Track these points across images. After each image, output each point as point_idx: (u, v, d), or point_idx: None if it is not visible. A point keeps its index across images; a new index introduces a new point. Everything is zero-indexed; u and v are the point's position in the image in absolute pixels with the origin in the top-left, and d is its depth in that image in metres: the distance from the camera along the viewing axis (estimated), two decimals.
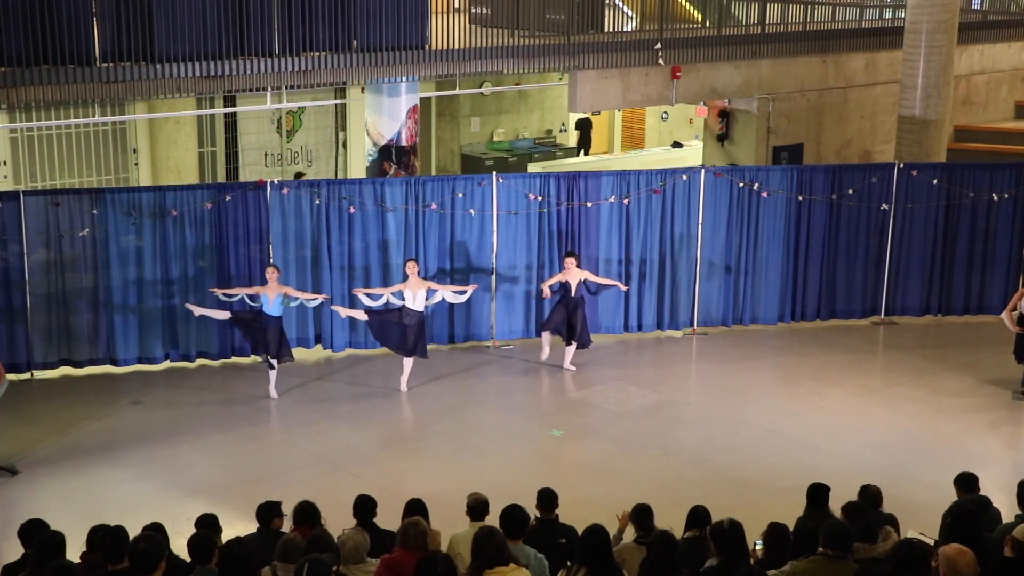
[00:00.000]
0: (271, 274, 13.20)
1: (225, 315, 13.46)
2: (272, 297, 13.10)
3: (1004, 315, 13.69)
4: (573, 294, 14.06)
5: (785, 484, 10.75)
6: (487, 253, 14.92)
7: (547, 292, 14.26)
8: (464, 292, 13.98)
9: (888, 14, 21.20)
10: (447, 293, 13.84)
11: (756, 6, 19.26)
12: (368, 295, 13.73)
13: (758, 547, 7.25)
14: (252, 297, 13.37)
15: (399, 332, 13.47)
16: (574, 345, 14.27)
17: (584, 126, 24.29)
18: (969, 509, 7.40)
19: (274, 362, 13.22)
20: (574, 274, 14.07)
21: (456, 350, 15.02)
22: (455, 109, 22.40)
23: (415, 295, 13.37)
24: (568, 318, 14.10)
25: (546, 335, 14.41)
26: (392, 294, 13.67)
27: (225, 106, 18.42)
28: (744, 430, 12.75)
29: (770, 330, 16.00)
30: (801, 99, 19.01)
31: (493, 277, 14.98)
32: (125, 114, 18.18)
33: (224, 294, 13.53)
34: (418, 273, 13.50)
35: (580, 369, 14.41)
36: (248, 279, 14.21)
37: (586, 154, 23.85)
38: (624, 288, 14.93)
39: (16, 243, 13.47)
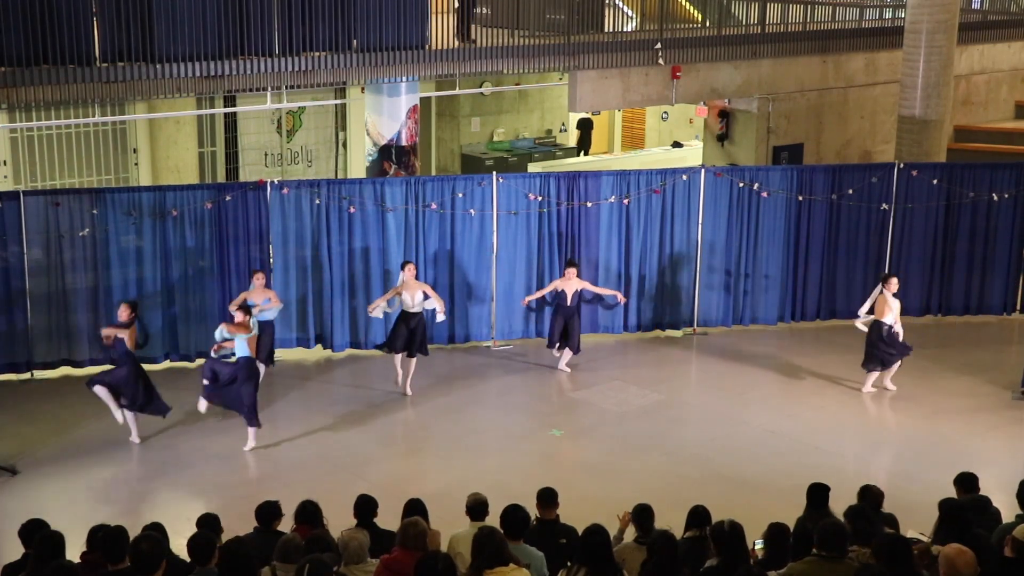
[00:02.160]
0: (258, 279, 13.24)
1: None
2: (259, 302, 13.14)
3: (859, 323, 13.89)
4: (569, 303, 14.13)
5: (785, 484, 10.75)
6: (487, 253, 14.92)
7: (527, 301, 14.51)
8: (444, 314, 13.68)
9: (888, 14, 21.20)
10: (436, 305, 13.59)
11: (756, 6, 19.25)
12: (374, 308, 13.64)
13: (758, 547, 7.26)
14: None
15: (407, 336, 13.41)
16: (567, 350, 14.31)
17: (585, 126, 24.29)
18: (957, 505, 7.41)
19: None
20: (572, 283, 14.12)
21: (456, 350, 15.03)
22: (455, 109, 22.40)
23: (413, 296, 13.36)
24: (565, 325, 14.19)
25: (556, 350, 14.43)
26: (388, 300, 13.54)
27: (225, 106, 18.42)
28: (744, 430, 12.75)
29: (770, 330, 16.00)
30: (801, 99, 19.01)
31: (493, 277, 14.98)
32: (125, 114, 18.17)
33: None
34: (415, 276, 13.46)
35: (580, 369, 14.41)
36: (248, 279, 14.20)
37: (585, 154, 23.85)
38: (622, 299, 14.98)
39: (16, 243, 13.47)
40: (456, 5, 16.53)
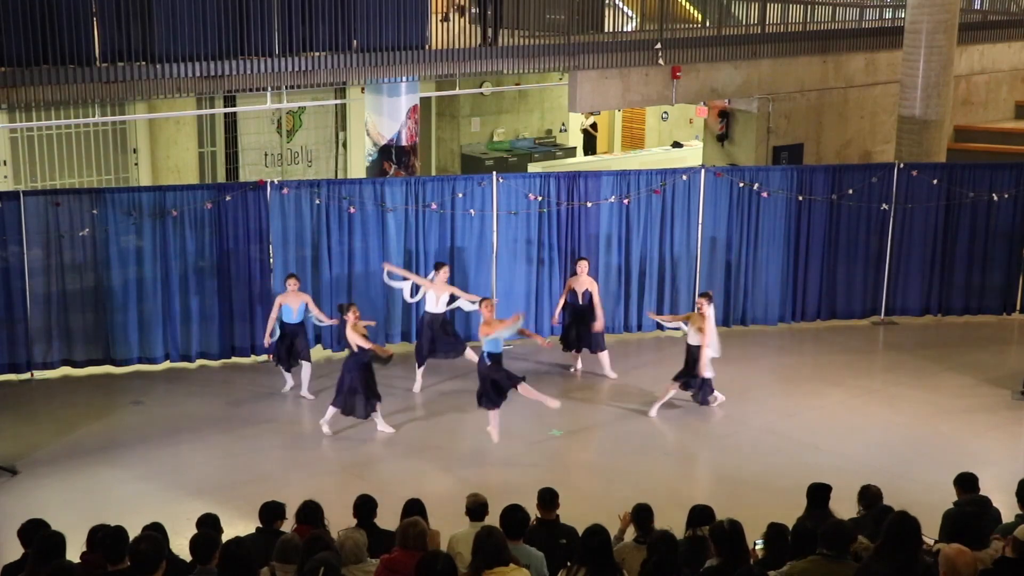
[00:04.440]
0: (292, 284, 13.21)
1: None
2: (295, 306, 13.15)
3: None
4: (581, 302, 13.91)
5: (785, 484, 10.74)
6: (487, 253, 14.92)
7: (556, 320, 14.19)
8: (474, 303, 13.82)
9: (888, 14, 21.20)
10: (464, 302, 13.76)
11: (756, 6, 19.25)
12: (390, 273, 13.77)
13: (758, 547, 7.25)
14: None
15: (431, 342, 13.61)
16: (606, 352, 14.17)
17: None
18: (968, 513, 7.40)
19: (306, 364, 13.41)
20: (583, 281, 13.91)
21: None
22: (455, 109, 22.40)
23: (439, 298, 13.47)
24: (584, 326, 14.00)
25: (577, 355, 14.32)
26: (413, 286, 13.69)
27: (225, 106, 18.42)
28: (744, 430, 12.75)
29: (770, 330, 16.00)
30: (801, 99, 19.01)
31: (493, 277, 14.97)
32: (125, 114, 18.17)
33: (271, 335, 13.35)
34: (446, 280, 13.57)
35: (588, 371, 14.37)
36: (248, 279, 14.23)
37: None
38: (600, 326, 14.06)
39: (16, 243, 13.47)
40: (472, 8, 16.52)
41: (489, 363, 11.96)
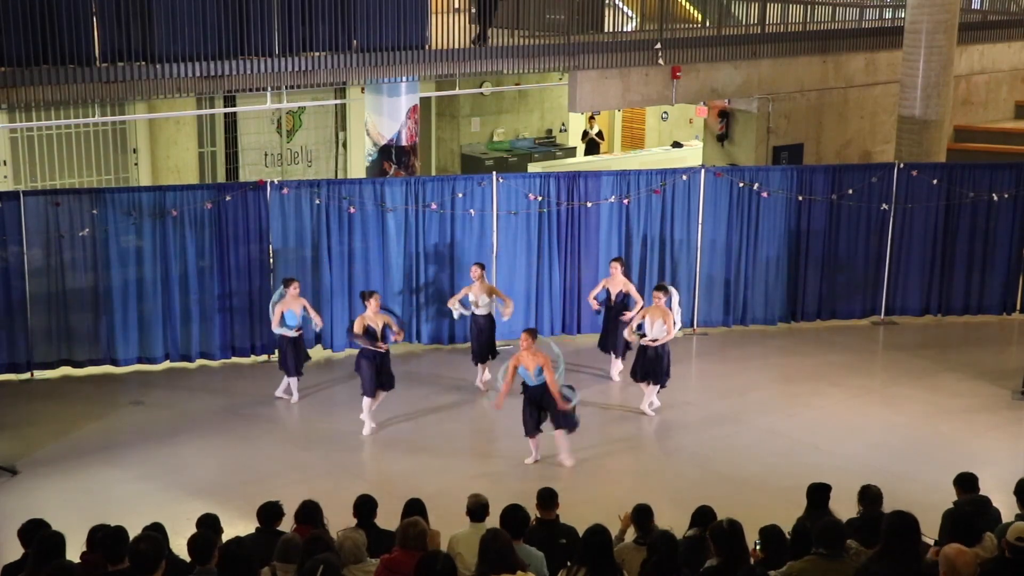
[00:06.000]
0: (294, 289, 13.16)
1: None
2: (298, 311, 13.15)
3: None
4: (614, 302, 13.83)
5: (785, 484, 10.75)
6: (487, 253, 14.92)
7: (595, 305, 13.95)
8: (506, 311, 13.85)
9: (888, 14, 21.20)
10: (501, 305, 13.76)
11: (756, 6, 19.26)
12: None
13: (758, 547, 7.25)
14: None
15: (480, 338, 13.66)
16: (621, 360, 14.13)
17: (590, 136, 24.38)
18: (967, 512, 7.41)
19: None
20: (617, 281, 13.83)
21: (456, 350, 15.00)
22: (455, 109, 22.39)
23: (478, 298, 13.51)
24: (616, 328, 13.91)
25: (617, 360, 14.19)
26: (463, 299, 13.68)
27: (225, 106, 18.42)
28: (744, 430, 12.75)
29: (770, 330, 16.00)
30: (801, 99, 19.01)
31: (493, 277, 14.96)
32: (125, 114, 18.17)
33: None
34: (482, 277, 13.57)
35: (580, 370, 14.36)
36: (248, 279, 14.23)
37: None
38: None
39: (16, 243, 13.47)
40: (472, 8, 16.50)
41: (523, 392, 11.65)
